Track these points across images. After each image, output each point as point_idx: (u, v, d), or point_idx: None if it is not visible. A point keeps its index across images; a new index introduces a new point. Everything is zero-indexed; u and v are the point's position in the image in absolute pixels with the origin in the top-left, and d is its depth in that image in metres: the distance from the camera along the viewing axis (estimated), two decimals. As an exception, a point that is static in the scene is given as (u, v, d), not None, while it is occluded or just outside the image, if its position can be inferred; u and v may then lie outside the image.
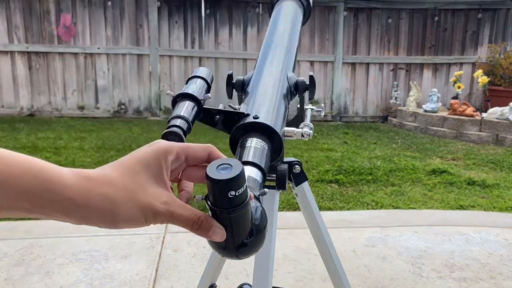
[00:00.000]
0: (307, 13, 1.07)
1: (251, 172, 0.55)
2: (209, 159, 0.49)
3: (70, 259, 2.21)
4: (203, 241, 2.41)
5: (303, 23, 1.04)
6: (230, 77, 0.78)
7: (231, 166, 0.43)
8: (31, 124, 5.76)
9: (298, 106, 0.81)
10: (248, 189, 0.44)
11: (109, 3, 6.37)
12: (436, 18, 7.00)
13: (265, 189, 0.52)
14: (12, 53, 6.30)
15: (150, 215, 0.45)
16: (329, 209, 3.15)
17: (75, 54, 6.43)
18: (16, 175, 0.41)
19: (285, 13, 0.98)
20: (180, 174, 0.50)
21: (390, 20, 6.96)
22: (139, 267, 2.16)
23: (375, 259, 2.32)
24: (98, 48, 6.45)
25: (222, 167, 0.43)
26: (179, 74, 6.71)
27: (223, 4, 6.64)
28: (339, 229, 2.68)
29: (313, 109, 0.84)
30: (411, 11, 6.99)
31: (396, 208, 3.22)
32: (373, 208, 3.20)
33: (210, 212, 0.46)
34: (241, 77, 0.78)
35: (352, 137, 5.76)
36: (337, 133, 5.98)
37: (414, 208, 3.22)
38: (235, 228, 0.46)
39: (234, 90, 0.79)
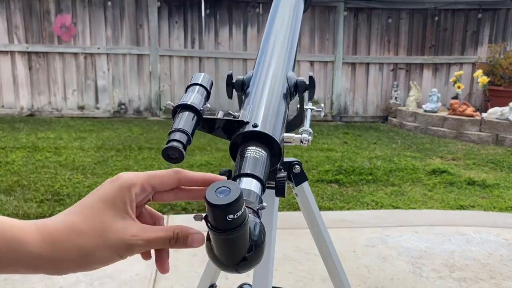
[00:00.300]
0: (308, 0, 1.05)
1: (250, 185, 0.56)
2: (180, 183, 0.50)
3: (70, 259, 2.21)
4: (203, 241, 2.41)
5: (305, 10, 1.01)
6: (230, 77, 0.78)
7: (229, 189, 0.44)
8: (31, 124, 5.76)
9: (298, 106, 0.81)
10: (246, 211, 0.45)
11: (109, 3, 6.37)
12: (436, 18, 7.00)
13: (264, 204, 0.52)
14: (12, 53, 6.31)
15: (123, 250, 0.44)
16: (329, 209, 3.15)
17: (75, 54, 6.43)
18: None
19: (285, 5, 0.96)
20: (150, 199, 0.51)
21: (390, 20, 6.96)
22: (139, 267, 2.16)
23: (375, 259, 2.32)
24: (98, 48, 6.45)
25: (220, 190, 0.44)
26: (179, 74, 6.71)
27: (223, 4, 6.64)
28: (339, 229, 2.68)
29: (313, 109, 0.84)
30: (411, 11, 6.99)
31: (396, 208, 3.22)
32: (373, 208, 3.20)
33: (209, 232, 0.47)
34: (241, 77, 0.77)
35: (352, 137, 5.76)
36: (337, 133, 5.98)
37: (414, 208, 3.22)
38: (234, 246, 0.47)
39: (234, 90, 0.79)
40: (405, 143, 5.47)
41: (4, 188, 3.30)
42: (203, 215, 0.47)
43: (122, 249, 0.44)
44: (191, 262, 2.21)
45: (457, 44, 7.13)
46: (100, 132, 5.43)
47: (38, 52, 6.34)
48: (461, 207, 3.25)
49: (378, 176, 3.92)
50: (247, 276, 2.11)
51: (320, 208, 3.13)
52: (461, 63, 7.12)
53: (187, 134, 0.57)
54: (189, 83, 0.65)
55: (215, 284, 1.14)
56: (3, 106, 6.40)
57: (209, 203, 0.43)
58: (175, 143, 0.55)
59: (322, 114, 0.84)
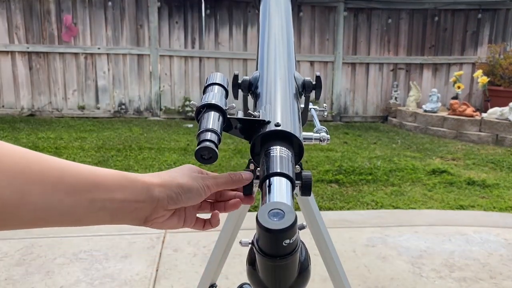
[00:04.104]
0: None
1: (281, 184, 0.55)
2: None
3: (71, 259, 2.21)
4: (203, 241, 2.41)
5: (292, 9, 1.01)
6: (236, 77, 0.77)
7: (283, 212, 0.42)
8: (32, 124, 5.77)
9: (302, 106, 0.81)
10: (299, 233, 0.43)
11: (110, 3, 6.38)
12: (436, 18, 7.00)
13: (304, 223, 0.50)
14: (12, 53, 6.31)
15: (205, 187, 0.58)
16: (329, 209, 3.15)
17: (76, 54, 6.44)
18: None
19: (276, 4, 0.95)
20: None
21: (390, 20, 6.96)
22: (140, 267, 2.16)
23: (375, 259, 2.32)
24: (99, 48, 6.46)
25: (273, 213, 0.42)
26: (179, 74, 6.71)
27: (223, 4, 6.64)
28: (339, 229, 2.68)
29: (316, 108, 0.85)
30: (411, 11, 6.99)
31: (396, 208, 3.22)
32: (373, 208, 3.20)
33: (257, 256, 0.44)
34: (247, 77, 0.77)
35: (352, 137, 5.76)
36: (337, 133, 5.98)
37: (414, 208, 3.22)
38: (286, 272, 0.45)
39: (239, 91, 0.78)
40: (405, 143, 5.47)
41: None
42: (253, 240, 0.44)
43: (204, 187, 0.58)
44: (191, 262, 2.21)
45: (457, 44, 7.14)
46: (100, 132, 5.43)
47: (38, 52, 6.34)
48: (461, 207, 3.26)
49: (378, 176, 3.92)
50: (247, 276, 2.11)
51: (320, 208, 3.14)
52: (461, 63, 7.12)
53: (217, 134, 0.56)
54: (206, 83, 0.65)
55: (215, 284, 1.14)
56: (3, 106, 6.40)
57: (264, 228, 0.40)
58: (207, 143, 0.54)
59: (326, 113, 0.84)
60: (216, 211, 0.64)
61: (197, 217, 0.63)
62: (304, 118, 0.78)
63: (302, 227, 0.48)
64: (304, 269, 0.48)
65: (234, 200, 0.63)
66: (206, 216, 0.65)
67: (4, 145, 0.45)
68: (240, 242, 0.48)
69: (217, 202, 0.65)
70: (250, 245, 0.46)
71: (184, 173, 0.58)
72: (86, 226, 0.51)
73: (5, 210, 0.43)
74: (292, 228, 0.41)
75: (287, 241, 0.41)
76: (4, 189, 0.42)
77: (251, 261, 0.48)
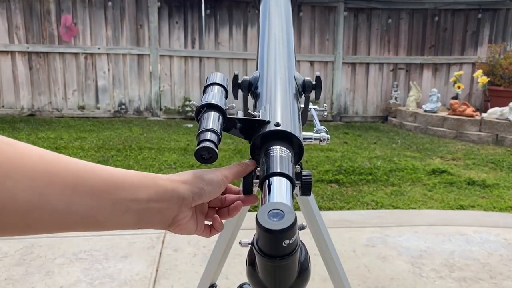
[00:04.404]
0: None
1: (281, 184, 0.55)
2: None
3: (71, 259, 2.21)
4: (203, 241, 2.41)
5: (292, 9, 1.01)
6: (236, 77, 0.77)
7: (283, 212, 0.42)
8: (32, 124, 5.77)
9: (302, 106, 0.81)
10: (298, 233, 0.43)
11: (110, 3, 6.38)
12: (436, 18, 7.00)
13: (304, 223, 0.50)
14: (12, 53, 6.31)
15: (224, 178, 0.59)
16: (329, 209, 3.15)
17: (76, 54, 6.44)
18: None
19: (276, 4, 0.95)
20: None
21: (390, 20, 6.96)
22: (140, 267, 2.16)
23: (375, 259, 2.32)
24: (99, 48, 6.46)
25: (273, 213, 0.42)
26: (179, 74, 6.71)
27: (223, 4, 6.64)
28: (339, 229, 2.68)
29: (316, 108, 0.85)
30: (411, 11, 6.99)
31: (396, 208, 3.22)
32: (373, 208, 3.20)
33: (257, 257, 0.44)
34: (247, 77, 0.77)
35: (352, 137, 5.76)
36: (337, 133, 5.98)
37: (414, 208, 3.22)
38: (286, 273, 0.45)
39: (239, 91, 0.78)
40: (405, 143, 5.47)
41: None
42: (253, 240, 0.44)
43: (223, 177, 0.58)
44: (191, 262, 2.21)
45: (457, 44, 7.14)
46: (100, 132, 5.43)
47: (38, 52, 6.35)
48: (461, 207, 3.26)
49: (378, 176, 3.92)
50: (247, 277, 2.11)
51: (320, 208, 3.14)
52: (461, 63, 7.12)
53: (217, 134, 0.56)
54: (206, 83, 0.65)
55: (215, 284, 1.14)
56: (3, 106, 6.40)
57: (264, 228, 0.40)
58: (207, 143, 0.54)
59: (326, 113, 0.84)
60: (216, 215, 0.62)
61: (205, 224, 0.62)
62: (304, 118, 0.78)
63: (302, 228, 0.48)
64: (304, 270, 0.48)
65: (236, 202, 0.62)
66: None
67: (21, 146, 0.43)
68: (239, 243, 0.47)
69: (221, 208, 0.64)
70: (249, 246, 0.45)
71: (200, 170, 0.58)
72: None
73: (24, 212, 0.41)
74: (291, 229, 0.41)
75: (287, 241, 0.41)
76: (22, 191, 0.41)
77: (251, 262, 0.48)
